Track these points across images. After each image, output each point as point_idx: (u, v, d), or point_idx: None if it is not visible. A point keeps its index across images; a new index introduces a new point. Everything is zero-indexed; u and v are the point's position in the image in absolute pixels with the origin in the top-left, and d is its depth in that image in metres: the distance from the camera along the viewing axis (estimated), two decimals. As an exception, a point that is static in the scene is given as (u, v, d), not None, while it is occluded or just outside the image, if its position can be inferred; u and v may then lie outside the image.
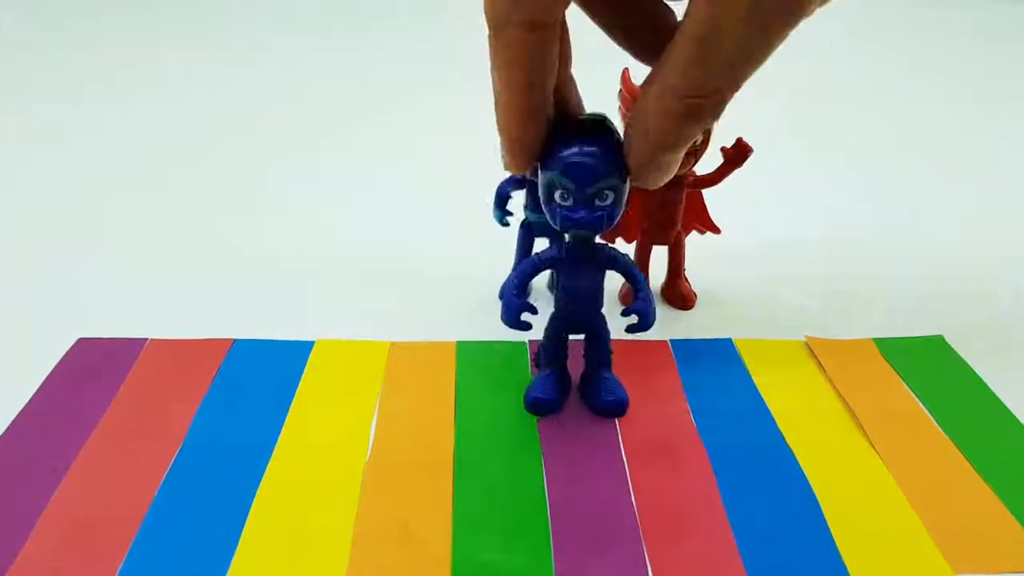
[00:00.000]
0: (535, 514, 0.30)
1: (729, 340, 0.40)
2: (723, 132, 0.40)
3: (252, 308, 0.42)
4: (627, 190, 0.30)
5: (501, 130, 0.29)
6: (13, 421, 0.34)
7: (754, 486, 0.31)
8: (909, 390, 0.37)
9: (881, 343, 0.40)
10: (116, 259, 0.47)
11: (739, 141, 0.40)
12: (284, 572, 0.28)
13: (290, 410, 0.35)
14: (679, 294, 0.43)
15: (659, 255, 0.43)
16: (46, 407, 0.35)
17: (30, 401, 0.35)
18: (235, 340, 0.39)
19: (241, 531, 0.29)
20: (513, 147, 0.29)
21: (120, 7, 1.04)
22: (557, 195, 0.30)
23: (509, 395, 0.36)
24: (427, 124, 0.70)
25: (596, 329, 0.35)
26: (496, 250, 0.45)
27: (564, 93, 0.30)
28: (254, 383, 0.36)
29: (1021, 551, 0.29)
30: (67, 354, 0.38)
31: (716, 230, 0.43)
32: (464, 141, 0.62)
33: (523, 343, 0.40)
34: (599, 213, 0.30)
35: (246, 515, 0.30)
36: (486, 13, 0.26)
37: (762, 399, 0.36)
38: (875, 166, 0.63)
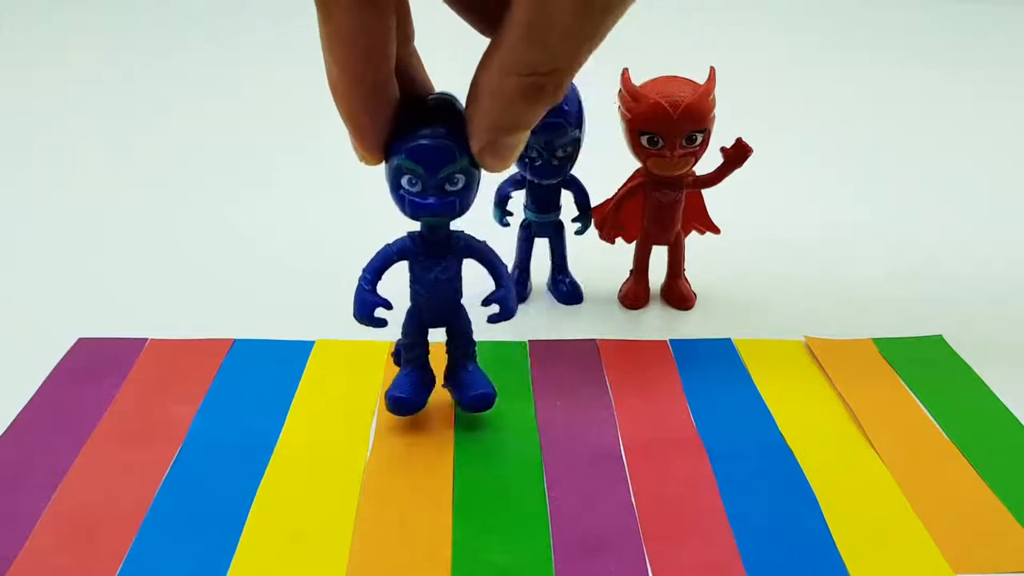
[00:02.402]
0: (535, 514, 0.30)
1: (729, 340, 0.40)
2: (723, 132, 0.40)
3: (252, 308, 0.42)
4: (480, 175, 0.29)
5: (343, 116, 0.28)
6: (13, 421, 0.34)
7: (754, 486, 0.31)
8: (909, 390, 0.37)
9: (881, 343, 0.40)
10: (116, 259, 0.47)
11: (739, 141, 0.40)
12: (284, 572, 0.28)
13: (290, 410, 0.35)
14: (679, 294, 0.43)
15: (659, 255, 0.43)
16: (46, 407, 0.35)
17: (30, 401, 0.35)
18: (235, 340, 0.39)
19: (241, 531, 0.29)
20: (358, 134, 0.28)
21: (119, 7, 1.04)
22: (404, 181, 0.29)
23: (509, 395, 0.36)
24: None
25: (457, 322, 0.33)
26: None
27: (409, 73, 0.29)
28: (254, 383, 0.36)
29: (1021, 551, 0.29)
30: (67, 354, 0.38)
31: (716, 230, 0.43)
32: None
33: (523, 343, 0.40)
34: (450, 199, 0.29)
35: (246, 515, 0.30)
36: None
37: (762, 399, 0.36)
38: (875, 166, 0.63)
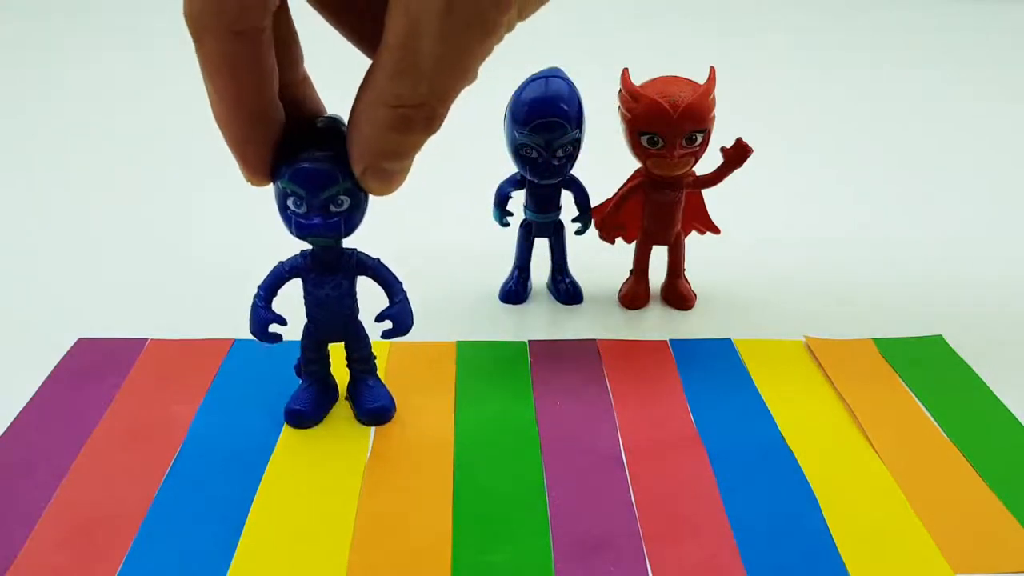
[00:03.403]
0: (535, 514, 0.30)
1: (729, 340, 0.40)
2: (723, 132, 0.40)
3: (252, 308, 0.42)
4: (367, 196, 0.30)
5: (226, 141, 0.28)
6: (13, 421, 0.34)
7: (754, 486, 0.31)
8: (908, 390, 0.37)
9: (881, 343, 0.40)
10: (116, 259, 0.47)
11: (739, 141, 0.40)
12: (284, 572, 0.28)
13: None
14: (679, 294, 0.43)
15: (659, 255, 0.43)
16: (46, 407, 0.35)
17: (30, 401, 0.35)
18: (235, 340, 0.39)
19: (241, 531, 0.29)
20: (240, 159, 0.28)
21: (117, 6, 1.04)
22: (290, 202, 0.30)
23: (509, 395, 0.36)
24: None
25: (353, 337, 0.34)
26: (496, 250, 0.45)
27: (297, 95, 0.29)
28: (254, 383, 0.36)
29: (1021, 551, 0.29)
30: (67, 354, 0.38)
31: (716, 230, 0.43)
32: (464, 141, 0.62)
33: (523, 343, 0.40)
34: (335, 219, 0.30)
35: (246, 515, 0.30)
36: (186, 21, 0.25)
37: (762, 399, 0.36)
38: (875, 166, 0.63)
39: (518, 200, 0.43)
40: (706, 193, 0.42)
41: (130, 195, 0.56)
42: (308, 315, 0.33)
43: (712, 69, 0.39)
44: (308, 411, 0.34)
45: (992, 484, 0.32)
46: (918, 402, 0.36)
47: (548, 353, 0.39)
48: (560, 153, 0.39)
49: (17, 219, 0.52)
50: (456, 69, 0.25)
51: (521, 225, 0.43)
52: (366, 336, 0.34)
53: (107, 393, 0.36)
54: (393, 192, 0.29)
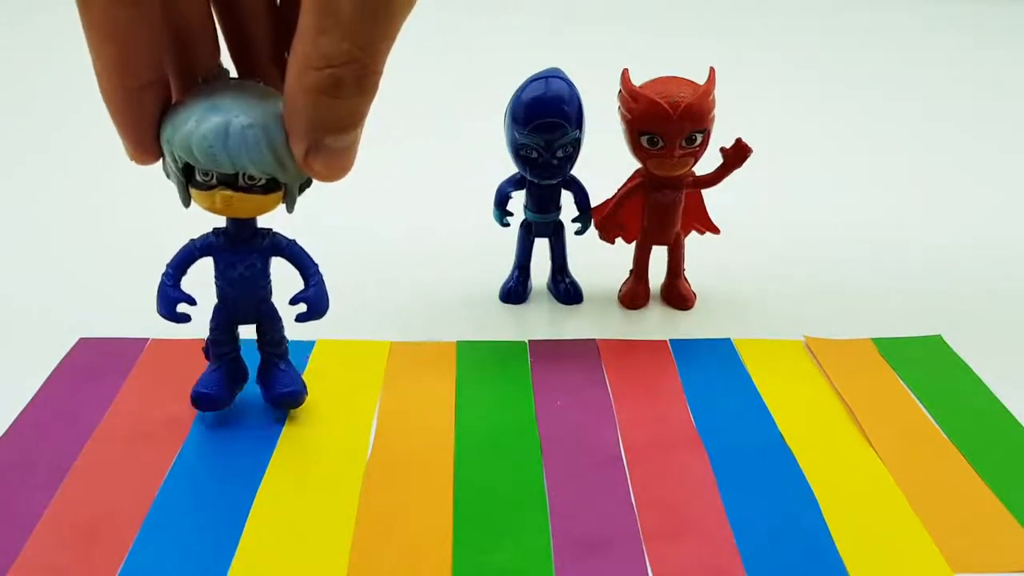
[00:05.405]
0: (535, 514, 0.30)
1: (728, 340, 0.40)
2: (723, 132, 0.40)
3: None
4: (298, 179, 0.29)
5: (111, 116, 0.27)
6: (13, 421, 0.34)
7: (753, 486, 0.31)
8: (908, 390, 0.37)
9: (880, 343, 0.40)
10: (116, 259, 0.47)
11: (738, 141, 0.40)
12: (284, 572, 0.28)
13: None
14: (678, 294, 0.43)
15: (659, 255, 0.43)
16: (47, 407, 0.35)
17: (30, 401, 0.35)
18: (235, 340, 0.39)
19: (242, 531, 0.29)
20: (122, 132, 0.27)
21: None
22: (199, 175, 0.29)
23: (509, 395, 0.36)
24: (427, 124, 0.70)
25: (266, 320, 0.33)
26: (496, 250, 0.45)
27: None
28: (254, 383, 0.36)
29: (1020, 550, 0.29)
30: (67, 354, 0.38)
31: (715, 230, 0.43)
32: (464, 141, 0.63)
33: (523, 343, 0.40)
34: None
35: (246, 515, 0.30)
36: None
37: (761, 399, 0.36)
38: (874, 166, 0.63)
39: (518, 200, 0.43)
40: (706, 193, 0.42)
41: (131, 195, 0.56)
42: (219, 295, 0.33)
43: (712, 69, 0.39)
44: (216, 394, 0.33)
45: (991, 483, 0.32)
46: (917, 401, 0.36)
47: (548, 353, 0.39)
48: (560, 153, 0.39)
49: (17, 219, 0.52)
50: (377, 19, 0.24)
51: (521, 225, 0.43)
52: (279, 319, 0.34)
53: (108, 393, 0.36)
54: (342, 177, 0.27)
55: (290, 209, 0.30)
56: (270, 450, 0.33)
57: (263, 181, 0.29)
